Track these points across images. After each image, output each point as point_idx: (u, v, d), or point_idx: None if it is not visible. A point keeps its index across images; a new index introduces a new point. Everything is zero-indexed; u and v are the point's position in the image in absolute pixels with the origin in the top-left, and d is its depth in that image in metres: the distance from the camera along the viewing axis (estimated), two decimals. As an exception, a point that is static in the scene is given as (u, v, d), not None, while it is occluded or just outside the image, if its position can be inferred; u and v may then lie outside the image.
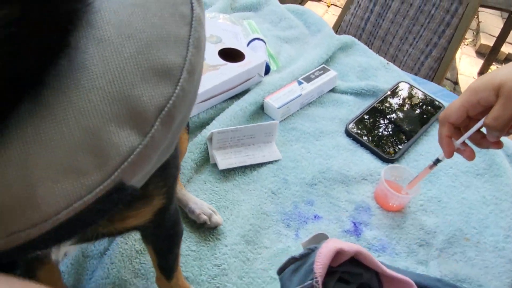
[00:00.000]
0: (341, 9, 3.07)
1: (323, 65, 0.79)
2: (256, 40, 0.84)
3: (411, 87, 0.80)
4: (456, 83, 2.43)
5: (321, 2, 3.11)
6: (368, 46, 1.46)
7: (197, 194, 0.58)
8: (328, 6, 3.07)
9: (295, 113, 0.73)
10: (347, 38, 0.89)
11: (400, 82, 0.81)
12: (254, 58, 0.73)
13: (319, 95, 0.77)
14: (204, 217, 0.54)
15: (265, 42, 0.84)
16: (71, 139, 0.21)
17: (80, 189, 0.21)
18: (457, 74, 2.48)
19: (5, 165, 0.20)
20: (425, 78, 1.37)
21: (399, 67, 1.40)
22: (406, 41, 1.36)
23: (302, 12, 0.97)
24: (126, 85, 0.23)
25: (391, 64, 0.87)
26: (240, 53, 0.74)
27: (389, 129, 0.72)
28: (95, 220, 0.23)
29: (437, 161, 0.54)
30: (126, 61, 0.23)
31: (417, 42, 1.33)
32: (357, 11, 1.45)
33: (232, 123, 0.66)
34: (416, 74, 1.38)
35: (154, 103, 0.23)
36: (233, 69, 0.69)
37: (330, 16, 2.97)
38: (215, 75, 0.67)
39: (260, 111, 0.72)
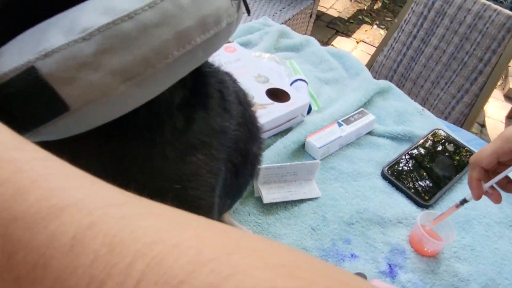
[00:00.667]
0: (370, 46, 3.14)
1: (362, 108, 0.84)
2: (299, 81, 0.90)
3: (446, 135, 0.83)
4: (483, 125, 2.44)
5: (350, 38, 3.19)
6: (399, 87, 1.51)
7: (241, 225, 0.62)
8: (357, 43, 3.14)
9: (334, 153, 0.77)
10: (384, 83, 0.93)
11: (435, 129, 0.84)
12: (298, 99, 0.78)
13: (357, 137, 0.81)
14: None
15: (307, 83, 0.89)
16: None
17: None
18: (484, 117, 2.48)
19: None
20: (455, 123, 1.40)
21: (429, 110, 1.44)
22: (437, 85, 1.40)
23: (341, 55, 1.02)
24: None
25: (426, 110, 0.91)
26: (285, 93, 0.79)
27: (424, 175, 0.75)
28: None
29: (464, 201, 0.57)
30: None
31: (448, 87, 1.37)
32: (390, 53, 1.50)
33: (276, 159, 0.71)
34: (446, 118, 1.41)
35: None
36: (279, 109, 0.74)
37: (359, 52, 3.04)
38: (263, 114, 0.73)
39: (302, 149, 0.76)
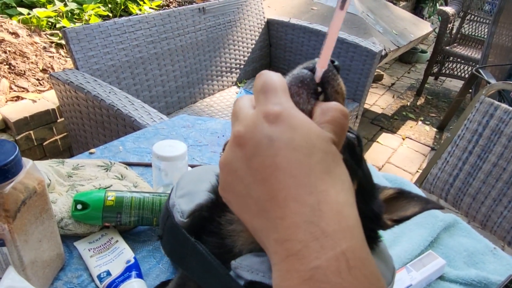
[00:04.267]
0: (416, 143, 3.13)
1: (430, 251, 0.81)
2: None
3: (526, 283, 0.77)
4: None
5: (395, 134, 3.21)
6: (457, 202, 1.46)
7: None
8: (403, 139, 3.15)
9: (404, 302, 0.73)
10: (450, 218, 0.90)
11: (513, 275, 0.78)
12: None
13: (428, 284, 0.77)
14: None
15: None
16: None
17: None
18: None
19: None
20: (523, 244, 1.31)
21: (492, 228, 1.37)
22: (500, 203, 1.34)
23: (400, 183, 1.02)
24: (379, 266, 0.46)
25: (498, 249, 0.86)
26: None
27: (509, 335, 0.68)
28: None
29: None
30: (379, 262, 0.46)
31: (512, 206, 1.31)
32: (444, 167, 1.48)
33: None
34: (513, 239, 1.33)
35: (386, 279, 0.47)
36: None
37: (406, 149, 3.03)
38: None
39: (369, 297, 0.73)
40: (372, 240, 0.46)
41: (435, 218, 0.89)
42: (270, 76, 0.33)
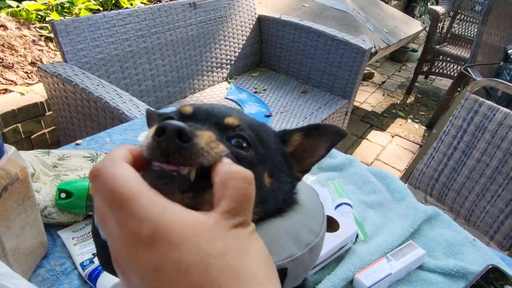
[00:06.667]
0: (405, 140, 3.15)
1: (411, 241, 0.82)
2: (344, 205, 0.90)
3: (503, 273, 0.79)
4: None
5: (385, 132, 3.24)
6: (442, 197, 1.49)
7: None
8: (393, 136, 3.18)
9: (384, 291, 0.74)
10: (431, 210, 0.92)
11: (491, 266, 0.80)
12: (347, 226, 0.78)
13: (407, 273, 0.78)
14: None
15: (351, 207, 0.90)
16: (271, 236, 0.40)
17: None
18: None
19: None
20: (505, 238, 1.34)
21: (475, 223, 1.40)
22: (483, 198, 1.36)
23: (384, 176, 1.03)
24: (298, 228, 0.43)
25: (477, 241, 0.88)
26: (334, 221, 0.80)
27: (484, 322, 0.70)
28: None
29: None
30: (300, 220, 0.44)
31: (495, 200, 1.33)
32: (430, 162, 1.50)
33: (324, 299, 0.69)
34: (495, 233, 1.35)
35: (306, 240, 0.43)
36: (332, 240, 0.75)
37: (395, 146, 3.06)
38: (312, 249, 0.73)
39: (350, 285, 0.75)
40: (292, 200, 0.46)
41: (416, 210, 0.90)
42: (115, 179, 0.25)
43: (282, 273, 0.40)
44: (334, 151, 1.11)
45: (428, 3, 5.25)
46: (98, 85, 1.50)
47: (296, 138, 0.46)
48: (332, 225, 0.79)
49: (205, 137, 0.31)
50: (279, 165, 0.43)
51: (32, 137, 2.01)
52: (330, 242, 0.75)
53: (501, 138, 1.30)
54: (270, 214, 0.42)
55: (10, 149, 0.61)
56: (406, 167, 2.78)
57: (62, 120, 1.77)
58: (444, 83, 4.17)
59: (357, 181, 1.02)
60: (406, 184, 1.57)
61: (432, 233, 0.88)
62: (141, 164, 0.29)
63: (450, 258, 0.83)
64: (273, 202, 0.42)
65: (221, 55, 2.49)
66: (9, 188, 0.61)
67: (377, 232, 0.86)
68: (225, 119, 0.38)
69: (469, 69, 2.65)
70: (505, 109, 1.30)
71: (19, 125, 1.92)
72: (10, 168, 0.61)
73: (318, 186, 0.96)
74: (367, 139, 3.11)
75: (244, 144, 0.38)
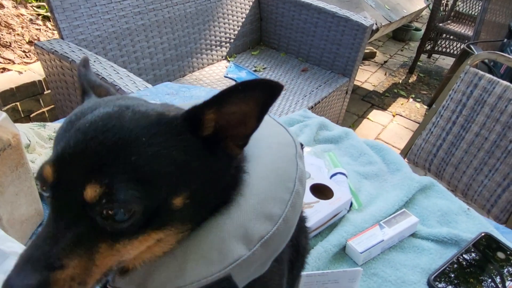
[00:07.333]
0: (406, 119, 3.13)
1: (404, 209, 0.82)
2: (339, 174, 0.91)
3: (496, 240, 0.80)
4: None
5: (386, 111, 3.22)
6: (440, 172, 1.49)
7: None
8: (394, 116, 3.16)
9: (376, 257, 0.75)
10: (426, 180, 0.92)
11: (484, 233, 0.81)
12: (341, 194, 0.79)
13: (400, 240, 0.79)
14: None
15: (347, 176, 0.90)
16: (211, 242, 0.36)
17: (207, 271, 0.35)
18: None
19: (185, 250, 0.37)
20: (502, 212, 1.34)
21: (473, 197, 1.40)
22: (481, 172, 1.36)
23: (380, 148, 1.03)
24: (247, 220, 0.37)
25: (472, 210, 0.88)
26: (328, 189, 0.80)
27: (474, 286, 0.71)
28: None
29: None
30: (250, 208, 0.38)
31: (493, 174, 1.33)
32: (429, 137, 1.50)
33: (316, 264, 0.70)
34: (492, 206, 1.35)
35: (259, 233, 0.37)
36: (326, 207, 0.75)
37: (396, 125, 3.04)
38: (311, 213, 0.73)
39: (342, 252, 0.75)
40: (237, 182, 0.40)
41: (411, 180, 0.91)
42: None
43: (227, 282, 0.35)
44: (330, 124, 1.10)
45: (432, -19, 5.13)
46: (94, 61, 1.49)
47: (211, 116, 0.35)
48: (326, 193, 0.80)
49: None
50: (192, 172, 0.35)
51: (31, 115, 2.02)
52: (324, 210, 0.76)
53: (500, 112, 1.28)
54: (209, 214, 0.37)
55: (0, 115, 0.61)
56: (407, 146, 2.78)
57: (60, 97, 1.76)
58: (447, 62, 4.12)
59: (353, 152, 1.02)
60: (405, 160, 1.57)
61: (426, 202, 0.88)
62: None
63: (444, 227, 0.83)
64: (203, 209, 0.37)
65: (220, 33, 2.46)
66: (1, 154, 0.61)
67: (372, 201, 0.87)
68: (85, 193, 0.31)
69: (472, 46, 2.61)
70: (505, 82, 1.28)
71: (18, 103, 1.92)
72: (1, 134, 0.61)
73: (314, 157, 0.96)
74: (368, 118, 3.10)
75: (122, 213, 0.31)
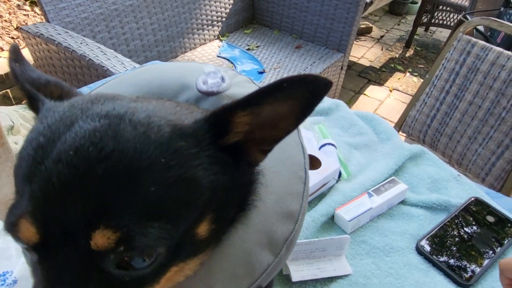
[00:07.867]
0: (403, 94, 3.11)
1: (393, 177, 0.82)
2: (328, 145, 0.90)
3: (486, 204, 0.79)
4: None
5: (383, 86, 3.19)
6: (434, 142, 1.48)
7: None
8: (391, 91, 3.13)
9: (365, 225, 0.75)
10: (416, 148, 0.91)
11: (474, 197, 0.80)
12: (329, 164, 0.78)
13: (389, 208, 0.78)
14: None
15: (335, 147, 0.89)
16: (237, 257, 0.34)
17: None
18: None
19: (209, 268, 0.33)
20: (496, 180, 1.34)
21: (467, 166, 1.39)
22: (475, 141, 1.35)
23: (371, 118, 1.02)
24: (269, 225, 0.36)
25: (462, 176, 0.88)
26: (316, 159, 0.80)
27: (463, 250, 0.71)
28: None
29: None
30: (270, 210, 0.36)
31: (487, 142, 1.32)
32: (422, 108, 1.48)
33: (304, 234, 0.70)
34: (486, 175, 1.35)
35: (283, 235, 0.36)
36: (313, 177, 0.75)
37: (393, 100, 3.02)
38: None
39: (331, 221, 0.75)
40: (254, 190, 0.37)
41: (401, 148, 0.90)
42: None
43: None
44: (320, 96, 1.09)
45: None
46: (81, 43, 1.47)
47: (244, 118, 0.29)
48: (314, 163, 0.79)
49: None
50: (217, 191, 0.29)
51: (23, 103, 2.00)
52: (312, 179, 0.75)
53: (493, 78, 1.27)
54: (229, 226, 0.35)
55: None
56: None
57: (51, 83, 1.74)
58: (444, 35, 4.06)
59: (343, 124, 1.01)
60: (400, 133, 1.56)
61: (416, 170, 0.88)
62: None
63: (434, 193, 0.83)
64: (225, 226, 0.34)
65: (211, 11, 2.42)
66: (-21, 133, 0.60)
67: (361, 171, 0.86)
68: (92, 242, 0.24)
69: (468, 17, 2.56)
70: (498, 48, 1.26)
71: (8, 90, 1.90)
72: (-23, 112, 0.60)
73: (303, 130, 0.95)
74: (364, 94, 3.07)
75: (142, 258, 0.25)
